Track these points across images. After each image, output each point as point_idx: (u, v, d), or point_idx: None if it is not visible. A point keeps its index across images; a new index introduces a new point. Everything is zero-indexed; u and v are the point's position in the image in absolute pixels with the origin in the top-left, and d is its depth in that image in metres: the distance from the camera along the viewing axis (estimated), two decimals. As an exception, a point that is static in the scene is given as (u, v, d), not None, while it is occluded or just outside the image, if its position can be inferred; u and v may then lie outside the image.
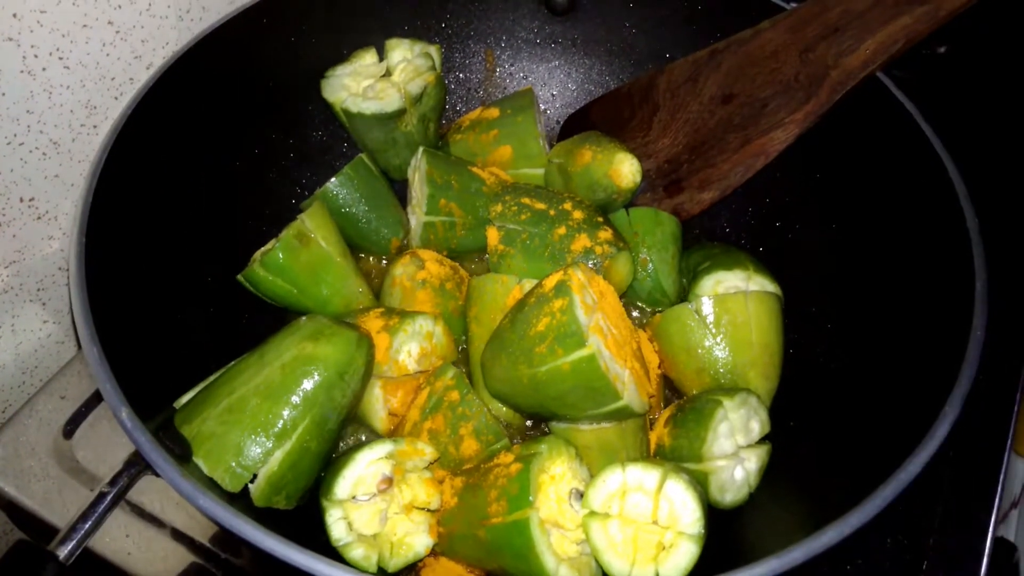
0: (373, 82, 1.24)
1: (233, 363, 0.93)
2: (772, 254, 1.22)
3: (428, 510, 0.92)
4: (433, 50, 1.28)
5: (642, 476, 0.84)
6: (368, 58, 1.27)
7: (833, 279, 1.11)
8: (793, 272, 1.15)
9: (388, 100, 1.21)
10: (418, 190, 1.22)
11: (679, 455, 0.96)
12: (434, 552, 0.93)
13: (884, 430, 0.88)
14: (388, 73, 1.27)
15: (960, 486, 1.08)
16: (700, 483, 0.90)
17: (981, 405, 1.12)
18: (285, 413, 0.86)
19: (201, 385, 0.93)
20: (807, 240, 1.18)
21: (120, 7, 1.09)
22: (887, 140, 1.06)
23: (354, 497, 0.87)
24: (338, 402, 0.90)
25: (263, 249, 1.12)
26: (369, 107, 1.21)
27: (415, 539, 0.90)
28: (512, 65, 1.46)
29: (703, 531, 0.81)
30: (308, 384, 0.88)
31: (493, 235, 1.13)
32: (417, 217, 1.21)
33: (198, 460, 0.84)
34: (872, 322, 1.02)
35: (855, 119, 1.07)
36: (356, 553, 0.86)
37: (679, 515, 0.82)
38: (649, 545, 0.83)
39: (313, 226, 1.11)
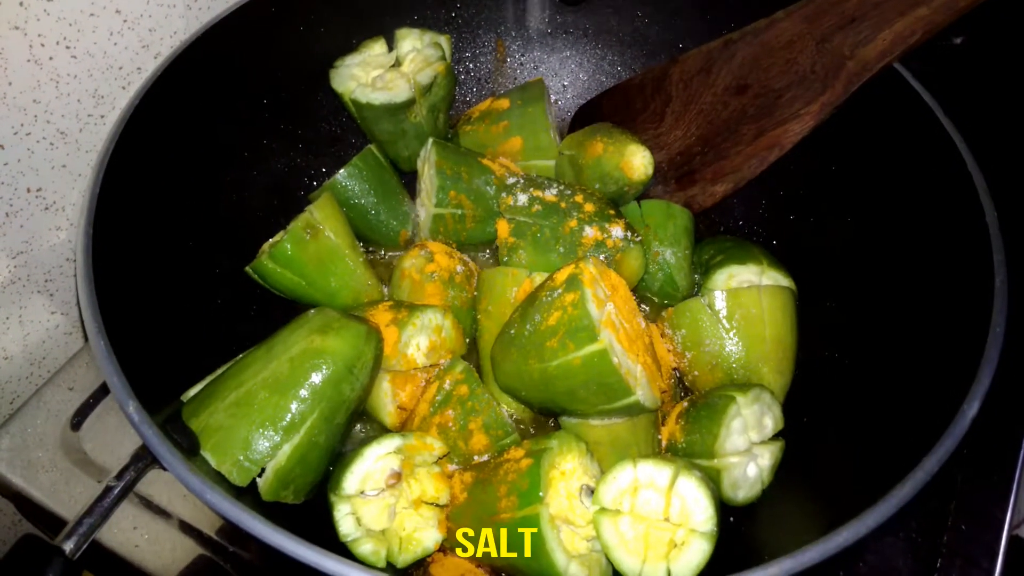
0: (382, 72, 1.23)
1: (241, 356, 0.93)
2: (786, 248, 1.21)
3: (437, 505, 0.91)
4: (443, 40, 1.27)
5: (654, 473, 0.84)
6: (377, 48, 1.26)
7: (848, 273, 1.09)
8: (807, 266, 1.13)
9: (397, 90, 1.21)
10: (428, 182, 1.21)
11: (691, 451, 0.95)
12: (443, 547, 0.92)
13: (900, 427, 0.86)
14: (398, 63, 1.26)
15: (975, 483, 1.07)
16: (712, 480, 0.89)
17: (995, 401, 1.10)
18: (293, 407, 0.86)
19: (209, 378, 0.93)
20: (822, 234, 1.17)
21: (127, -5, 1.08)
22: (904, 132, 1.05)
23: (363, 492, 0.87)
24: (347, 396, 0.90)
25: (271, 240, 1.11)
26: (378, 97, 1.20)
27: (424, 534, 0.89)
28: (523, 55, 1.45)
29: (715, 529, 0.81)
30: (316, 378, 0.87)
31: (503, 228, 1.12)
32: (427, 209, 1.20)
33: (206, 454, 0.83)
34: (888, 318, 1.00)
35: (872, 111, 1.05)
36: (365, 548, 0.85)
37: (691, 512, 0.82)
38: (660, 542, 0.82)
39: (322, 217, 1.10)
